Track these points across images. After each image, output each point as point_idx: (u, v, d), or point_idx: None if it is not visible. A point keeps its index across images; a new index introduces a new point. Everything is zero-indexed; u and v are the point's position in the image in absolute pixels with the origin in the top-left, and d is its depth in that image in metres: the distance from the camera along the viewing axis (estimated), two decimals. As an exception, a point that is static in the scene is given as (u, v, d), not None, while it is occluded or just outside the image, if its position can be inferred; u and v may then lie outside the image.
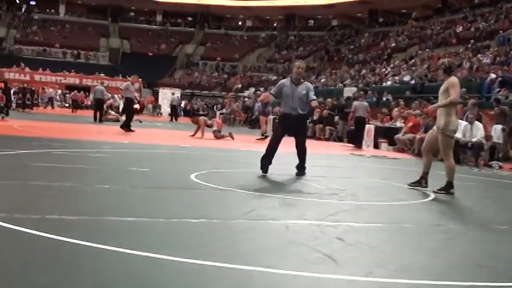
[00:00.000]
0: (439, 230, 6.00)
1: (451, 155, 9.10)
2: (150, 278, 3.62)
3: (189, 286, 3.56)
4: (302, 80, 10.31)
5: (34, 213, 5.20)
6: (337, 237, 5.13)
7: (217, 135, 20.01)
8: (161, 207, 6.23)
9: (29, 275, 3.53)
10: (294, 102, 10.09)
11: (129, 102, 21.29)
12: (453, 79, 9.09)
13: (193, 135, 19.98)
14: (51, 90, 47.53)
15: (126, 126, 20.29)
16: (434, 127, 9.27)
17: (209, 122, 20.81)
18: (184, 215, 5.71)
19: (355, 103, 21.97)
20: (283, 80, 10.59)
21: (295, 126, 10.27)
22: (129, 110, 21.34)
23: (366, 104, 21.90)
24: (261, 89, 50.95)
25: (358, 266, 4.25)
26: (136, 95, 50.25)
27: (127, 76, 53.76)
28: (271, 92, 10.55)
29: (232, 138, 20.19)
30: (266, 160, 9.98)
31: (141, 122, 30.10)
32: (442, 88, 9.12)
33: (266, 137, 21.05)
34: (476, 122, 16.66)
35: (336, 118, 25.75)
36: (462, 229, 6.23)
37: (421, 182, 9.25)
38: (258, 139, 21.23)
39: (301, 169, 10.17)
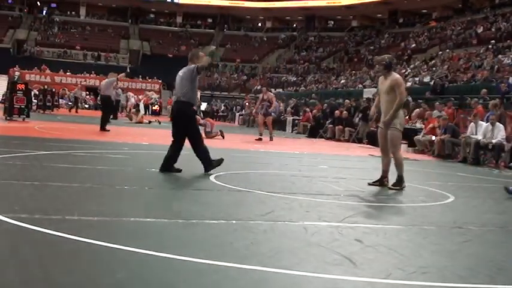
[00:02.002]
0: (458, 231, 5.96)
1: (399, 149, 9.20)
2: (168, 279, 3.64)
3: (206, 286, 3.58)
4: None
5: (54, 214, 5.24)
6: (355, 239, 5.12)
7: (209, 135, 20.18)
8: (180, 208, 6.25)
9: (49, 275, 3.56)
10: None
11: (105, 100, 20.72)
12: (398, 78, 9.18)
13: None
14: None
15: (102, 126, 19.62)
16: (381, 125, 9.28)
17: (202, 121, 20.92)
18: (203, 216, 5.72)
19: None
20: (191, 68, 9.51)
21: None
22: (107, 109, 20.74)
23: None
24: (277, 90, 50.92)
25: (377, 268, 4.24)
26: (156, 96, 50.85)
27: (147, 77, 54.28)
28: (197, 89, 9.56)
29: (223, 137, 20.44)
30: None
31: (159, 123, 30.19)
32: (386, 86, 9.11)
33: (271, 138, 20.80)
34: (498, 123, 16.54)
35: (356, 119, 25.72)
36: (482, 231, 6.18)
37: (383, 180, 9.21)
38: (270, 140, 20.77)
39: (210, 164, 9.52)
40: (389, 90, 9.02)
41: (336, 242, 4.97)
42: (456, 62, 35.83)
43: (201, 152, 9.41)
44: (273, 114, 32.03)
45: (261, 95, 22.58)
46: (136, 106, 37.33)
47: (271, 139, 20.75)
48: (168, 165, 9.23)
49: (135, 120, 29.23)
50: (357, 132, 24.80)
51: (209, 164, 9.36)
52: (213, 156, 9.59)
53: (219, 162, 9.44)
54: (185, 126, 9.43)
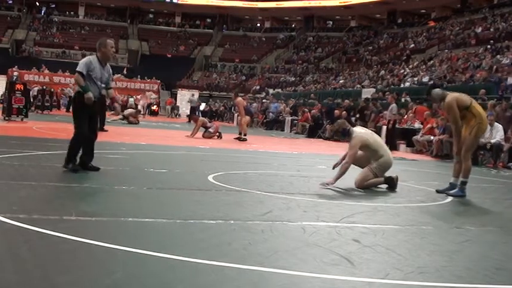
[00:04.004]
0: (456, 231, 5.96)
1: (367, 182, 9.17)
2: (166, 279, 3.64)
3: (204, 286, 3.57)
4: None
5: (52, 214, 5.24)
6: (353, 239, 5.12)
7: (206, 135, 20.40)
8: (179, 208, 6.25)
9: (47, 275, 3.56)
10: (100, 85, 8.93)
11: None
12: (352, 139, 9.12)
13: (191, 135, 20.17)
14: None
15: (99, 127, 19.55)
16: None
17: (208, 124, 21.03)
18: (201, 216, 5.72)
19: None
20: (90, 58, 8.91)
21: (94, 113, 9.04)
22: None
23: (391, 106, 22.02)
24: (276, 90, 50.92)
25: (375, 268, 4.24)
26: (155, 96, 50.84)
27: (146, 78, 54.24)
28: (79, 70, 8.69)
29: (220, 137, 20.55)
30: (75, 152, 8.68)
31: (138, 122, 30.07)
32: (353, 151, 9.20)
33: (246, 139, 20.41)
34: (496, 124, 16.55)
35: (353, 119, 25.76)
36: (480, 231, 6.18)
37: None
38: (239, 139, 20.39)
39: (85, 163, 8.76)
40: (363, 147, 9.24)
41: (334, 242, 4.96)
42: (455, 62, 35.85)
43: (71, 142, 8.73)
44: (274, 116, 31.91)
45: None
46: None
47: (238, 138, 20.44)
48: (81, 161, 8.76)
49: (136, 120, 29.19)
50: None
51: (67, 161, 8.61)
52: (212, 156, 9.56)
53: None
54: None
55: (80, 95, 8.72)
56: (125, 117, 28.29)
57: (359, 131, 9.49)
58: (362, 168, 9.21)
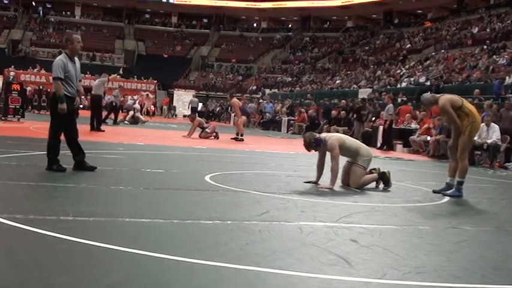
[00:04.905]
0: (454, 232, 5.96)
1: (361, 182, 9.20)
2: (163, 279, 3.64)
3: (201, 286, 3.57)
4: None
5: (49, 215, 5.23)
6: (351, 239, 5.12)
7: (203, 135, 20.50)
8: (175, 208, 6.24)
9: (44, 275, 3.55)
10: (75, 83, 8.70)
11: (97, 100, 20.62)
12: (328, 145, 9.08)
13: (188, 135, 20.26)
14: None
15: (96, 127, 19.69)
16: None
17: (205, 124, 21.06)
18: (198, 217, 5.71)
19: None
20: (62, 58, 8.55)
21: (71, 111, 8.70)
22: (98, 109, 20.54)
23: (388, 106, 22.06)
24: (273, 90, 50.89)
25: (372, 268, 4.24)
26: (152, 96, 50.85)
27: (142, 78, 54.21)
28: (58, 75, 8.42)
29: (217, 138, 20.69)
30: (55, 153, 8.51)
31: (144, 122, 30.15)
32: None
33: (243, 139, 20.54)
34: (493, 124, 16.57)
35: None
36: (477, 231, 6.19)
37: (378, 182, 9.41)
38: (236, 139, 20.56)
39: (82, 163, 8.75)
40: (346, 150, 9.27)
41: (332, 242, 4.96)
42: (451, 63, 35.90)
43: (48, 144, 8.59)
44: (270, 116, 32.05)
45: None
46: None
47: (235, 138, 20.66)
48: (77, 162, 8.76)
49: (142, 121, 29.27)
50: (352, 133, 24.81)
51: (49, 163, 8.49)
52: (208, 156, 9.55)
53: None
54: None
55: (54, 95, 8.59)
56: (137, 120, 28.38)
57: (330, 135, 9.56)
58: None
